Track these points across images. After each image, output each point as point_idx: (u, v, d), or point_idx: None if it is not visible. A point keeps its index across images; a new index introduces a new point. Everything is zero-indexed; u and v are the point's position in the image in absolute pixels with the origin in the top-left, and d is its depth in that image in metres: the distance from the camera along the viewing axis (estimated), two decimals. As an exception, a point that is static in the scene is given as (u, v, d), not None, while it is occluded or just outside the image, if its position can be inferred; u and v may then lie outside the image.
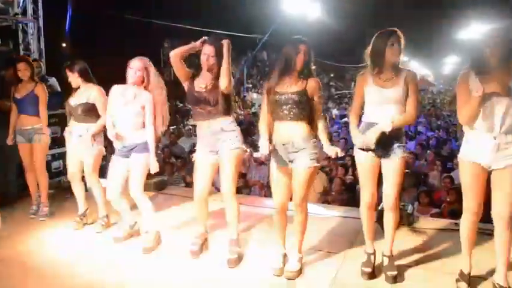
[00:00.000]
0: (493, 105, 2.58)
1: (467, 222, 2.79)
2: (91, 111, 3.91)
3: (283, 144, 2.97)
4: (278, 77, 2.99)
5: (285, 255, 3.21)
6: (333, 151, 2.89)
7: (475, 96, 2.53)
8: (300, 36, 2.99)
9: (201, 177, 3.34)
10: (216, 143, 3.25)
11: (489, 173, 2.70)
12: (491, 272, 2.89)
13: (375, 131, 2.83)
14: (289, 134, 2.96)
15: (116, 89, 3.59)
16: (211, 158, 3.29)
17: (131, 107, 3.48)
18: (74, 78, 3.95)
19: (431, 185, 6.66)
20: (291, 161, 2.99)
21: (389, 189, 2.94)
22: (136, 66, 3.46)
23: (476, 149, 2.68)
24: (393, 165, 2.90)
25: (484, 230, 3.24)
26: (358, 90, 2.99)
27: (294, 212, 3.10)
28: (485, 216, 2.81)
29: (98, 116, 3.94)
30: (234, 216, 3.36)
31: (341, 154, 2.91)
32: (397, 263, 3.10)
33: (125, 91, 3.52)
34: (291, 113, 2.93)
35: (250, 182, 6.67)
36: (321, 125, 3.01)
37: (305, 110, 2.94)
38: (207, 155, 3.30)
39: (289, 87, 2.95)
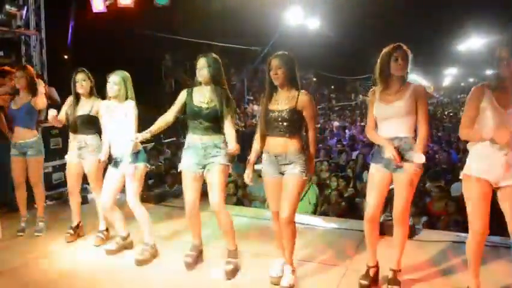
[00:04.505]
0: (505, 121, 2.52)
1: (474, 244, 2.71)
2: (90, 123, 3.90)
3: (276, 156, 3.02)
4: (267, 96, 3.06)
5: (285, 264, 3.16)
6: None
7: (484, 137, 2.52)
8: (279, 52, 3.00)
9: (189, 189, 3.32)
10: (204, 157, 3.25)
11: (494, 190, 2.64)
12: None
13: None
14: (282, 147, 2.99)
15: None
16: (197, 171, 3.28)
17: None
18: (87, 86, 3.90)
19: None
20: (282, 173, 3.03)
21: (398, 203, 2.92)
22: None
23: (484, 165, 2.61)
24: (405, 179, 2.86)
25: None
26: (370, 106, 3.02)
27: (282, 224, 2.99)
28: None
29: (97, 129, 3.92)
30: (228, 227, 3.32)
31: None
32: (401, 277, 3.05)
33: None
34: (283, 129, 2.97)
35: (251, 195, 6.63)
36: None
37: (295, 127, 2.99)
38: (193, 167, 3.28)
39: (280, 105, 3.00)
